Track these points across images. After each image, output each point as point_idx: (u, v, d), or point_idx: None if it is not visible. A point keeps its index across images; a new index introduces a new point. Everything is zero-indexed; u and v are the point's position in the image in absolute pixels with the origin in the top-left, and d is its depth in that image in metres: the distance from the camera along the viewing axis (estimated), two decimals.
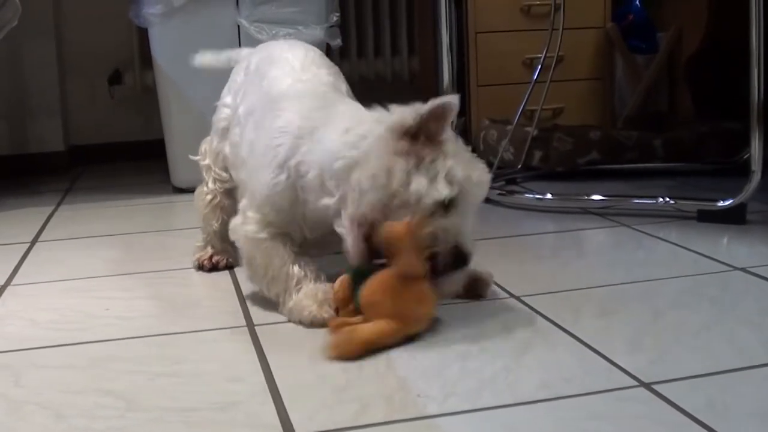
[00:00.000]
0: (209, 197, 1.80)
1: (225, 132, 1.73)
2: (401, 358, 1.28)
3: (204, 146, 1.83)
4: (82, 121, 3.60)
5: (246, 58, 1.79)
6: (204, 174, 1.81)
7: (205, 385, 1.22)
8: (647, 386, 1.14)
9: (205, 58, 1.96)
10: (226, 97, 1.76)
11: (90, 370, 1.30)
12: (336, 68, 1.70)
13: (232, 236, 1.55)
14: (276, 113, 1.50)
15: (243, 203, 1.54)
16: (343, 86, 1.66)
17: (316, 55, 1.69)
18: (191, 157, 1.85)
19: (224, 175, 1.76)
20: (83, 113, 3.60)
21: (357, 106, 1.51)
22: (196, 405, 1.15)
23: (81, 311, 1.60)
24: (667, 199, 2.17)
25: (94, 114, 3.61)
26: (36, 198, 2.87)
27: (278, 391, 1.17)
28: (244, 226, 1.50)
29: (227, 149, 1.71)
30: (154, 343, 1.39)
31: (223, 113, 1.74)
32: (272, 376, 1.23)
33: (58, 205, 2.71)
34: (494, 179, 2.53)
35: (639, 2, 3.34)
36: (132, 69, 3.53)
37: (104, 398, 1.18)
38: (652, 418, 1.06)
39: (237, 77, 1.76)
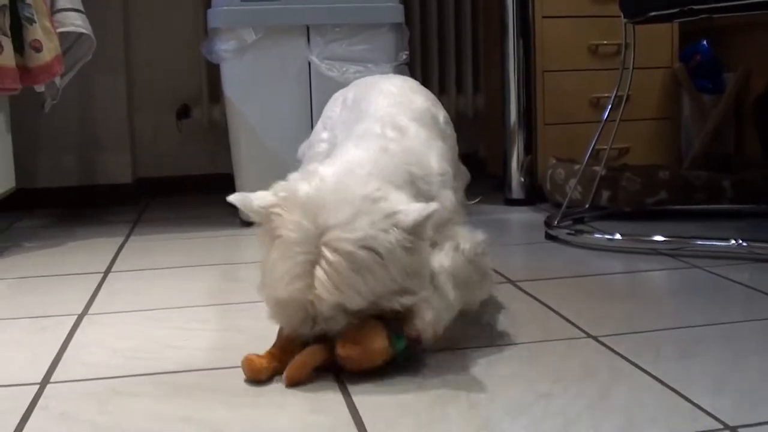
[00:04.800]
0: None
1: None
2: (483, 396, 1.28)
3: None
4: (149, 154, 3.66)
5: (340, 95, 1.81)
6: None
7: (290, 416, 1.23)
8: (733, 429, 1.14)
9: None
10: (322, 133, 1.77)
11: (174, 399, 1.32)
12: (434, 98, 1.72)
13: None
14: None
15: None
16: (441, 113, 1.67)
17: (414, 84, 1.71)
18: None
19: None
20: (151, 146, 3.66)
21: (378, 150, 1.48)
22: None
23: (159, 341, 1.63)
24: (741, 241, 2.16)
25: (161, 147, 3.67)
26: (106, 228, 2.92)
27: (363, 424, 1.18)
28: None
29: None
30: (235, 374, 1.40)
31: (320, 148, 1.75)
32: (356, 409, 1.24)
33: (128, 236, 2.76)
34: (562, 219, 2.54)
35: (706, 42, 3.34)
36: (200, 103, 3.59)
37: (190, 427, 1.20)
38: None
39: (332, 113, 1.78)
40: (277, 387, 1.35)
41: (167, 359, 1.52)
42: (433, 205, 1.31)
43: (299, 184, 1.34)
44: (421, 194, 1.42)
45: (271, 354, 1.39)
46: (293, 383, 1.33)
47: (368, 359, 1.34)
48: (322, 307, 1.29)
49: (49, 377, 1.44)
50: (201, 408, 1.28)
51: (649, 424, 1.16)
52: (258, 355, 1.39)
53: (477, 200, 1.79)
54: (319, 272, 1.27)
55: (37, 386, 1.40)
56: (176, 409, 1.28)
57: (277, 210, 1.32)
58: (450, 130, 1.70)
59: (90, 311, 1.86)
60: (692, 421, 1.17)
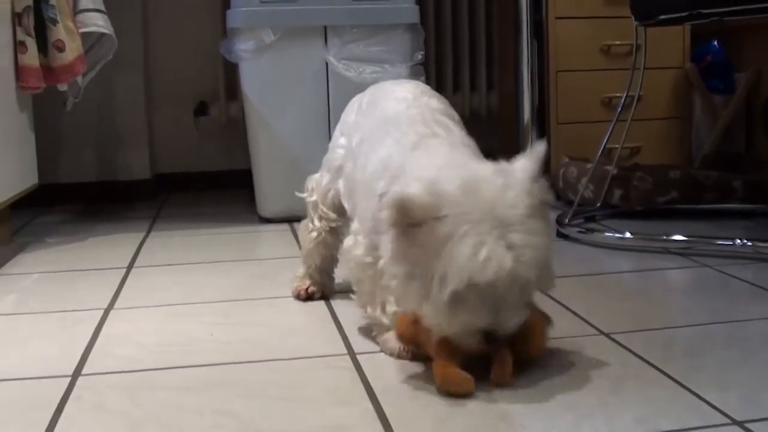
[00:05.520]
0: (314, 234, 1.85)
1: (339, 170, 1.77)
2: (501, 391, 1.33)
3: (311, 183, 1.87)
4: (167, 151, 3.72)
5: (356, 100, 1.86)
6: (309, 210, 1.87)
7: (317, 409, 1.29)
8: (740, 424, 1.18)
9: None
10: (340, 139, 1.80)
11: (205, 392, 1.37)
12: (446, 100, 1.73)
13: (343, 257, 1.62)
14: (383, 137, 1.56)
15: (355, 226, 1.58)
16: (455, 115, 1.68)
17: (426, 88, 1.73)
18: (297, 194, 1.91)
19: (331, 215, 1.82)
20: (168, 143, 3.72)
21: (454, 145, 1.52)
22: (311, 428, 1.22)
23: (186, 336, 1.68)
24: (745, 240, 2.20)
25: (179, 144, 3.73)
26: (126, 224, 2.98)
27: (386, 417, 1.24)
28: (354, 250, 1.54)
29: (341, 184, 1.75)
30: (262, 368, 1.46)
31: (336, 153, 1.78)
32: (378, 402, 1.29)
33: (148, 232, 2.81)
34: (573, 217, 2.59)
35: (718, 43, 3.38)
36: (217, 101, 3.64)
37: (222, 419, 1.25)
38: None
39: (348, 118, 1.81)
40: (302, 381, 1.41)
41: (194, 353, 1.57)
42: (539, 148, 1.35)
43: (440, 186, 1.31)
44: None
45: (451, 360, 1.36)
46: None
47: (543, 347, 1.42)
48: (515, 289, 1.28)
49: (81, 369, 1.49)
50: (231, 401, 1.33)
51: (658, 419, 1.21)
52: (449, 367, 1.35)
53: None
54: (517, 249, 1.26)
55: (69, 378, 1.45)
56: (206, 402, 1.33)
57: (442, 209, 1.29)
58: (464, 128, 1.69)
59: (116, 306, 1.92)
60: (700, 416, 1.22)
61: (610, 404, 1.27)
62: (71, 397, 1.37)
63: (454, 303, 1.28)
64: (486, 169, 1.36)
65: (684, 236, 2.32)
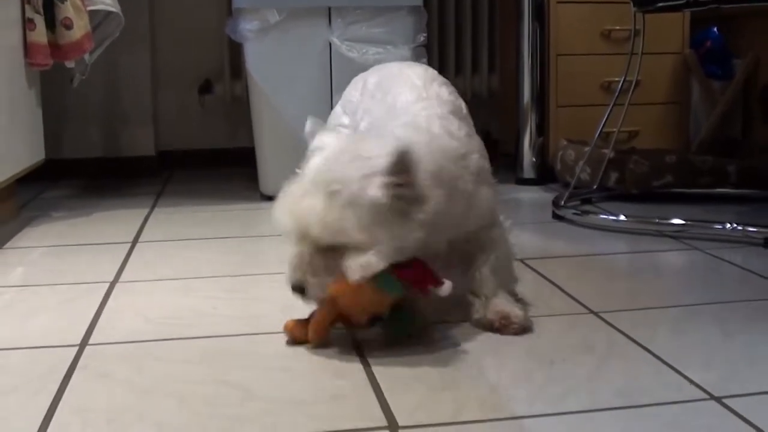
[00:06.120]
0: None
1: None
2: (491, 365, 1.39)
3: None
4: (171, 128, 3.76)
5: (360, 79, 1.89)
6: None
7: (314, 379, 1.35)
8: (718, 400, 1.24)
9: None
10: (342, 117, 1.84)
11: (206, 363, 1.43)
12: (453, 88, 1.75)
13: None
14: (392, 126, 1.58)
15: None
16: (462, 105, 1.70)
17: (435, 73, 1.76)
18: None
19: None
20: (173, 120, 3.76)
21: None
22: (307, 397, 1.28)
23: (190, 309, 1.74)
24: (735, 225, 2.25)
25: (183, 121, 3.77)
26: (130, 200, 3.02)
27: (380, 388, 1.29)
28: None
29: None
30: (262, 340, 1.52)
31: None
32: (373, 374, 1.35)
33: (153, 207, 2.86)
34: (569, 199, 2.64)
35: (717, 29, 3.41)
36: (222, 79, 3.68)
37: (223, 388, 1.31)
38: (722, 430, 1.16)
39: (352, 97, 1.84)
40: (300, 353, 1.46)
41: (197, 325, 1.62)
42: (398, 144, 1.38)
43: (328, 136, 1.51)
44: (458, 192, 1.49)
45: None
46: (318, 343, 1.45)
47: (358, 300, 1.40)
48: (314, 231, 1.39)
49: (87, 340, 1.54)
50: (232, 371, 1.38)
51: (641, 393, 1.27)
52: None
53: None
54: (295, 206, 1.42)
55: (77, 348, 1.50)
56: (209, 372, 1.38)
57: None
58: (470, 120, 1.72)
59: (121, 279, 1.97)
60: (681, 392, 1.27)
61: (595, 379, 1.33)
62: (78, 366, 1.42)
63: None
64: (367, 144, 1.44)
65: (677, 220, 2.36)
